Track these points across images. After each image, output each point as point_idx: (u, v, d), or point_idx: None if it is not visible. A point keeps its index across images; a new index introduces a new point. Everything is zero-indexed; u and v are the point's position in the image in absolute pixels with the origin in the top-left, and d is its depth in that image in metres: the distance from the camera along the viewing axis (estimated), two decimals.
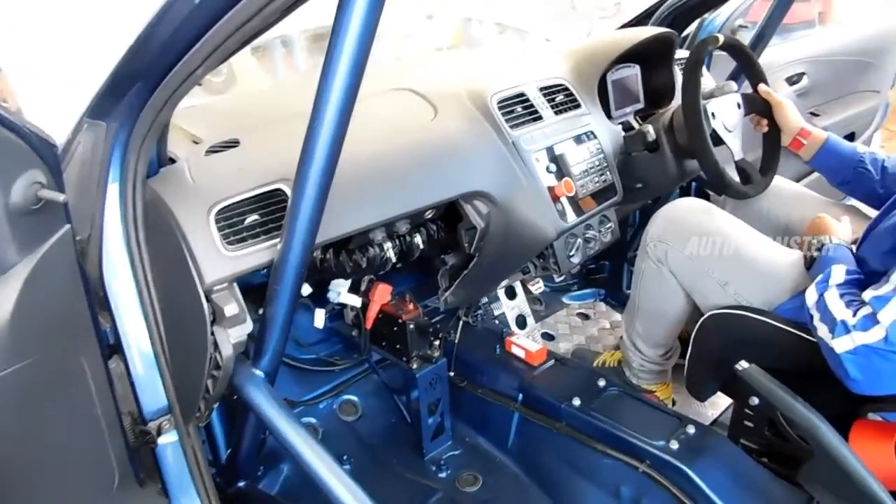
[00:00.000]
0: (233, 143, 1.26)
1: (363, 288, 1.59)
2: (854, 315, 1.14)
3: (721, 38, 1.50)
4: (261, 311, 1.26)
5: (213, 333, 1.08)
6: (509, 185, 1.42)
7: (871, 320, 1.11)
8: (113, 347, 1.07)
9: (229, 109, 1.61)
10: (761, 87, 1.66)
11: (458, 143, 1.39)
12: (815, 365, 1.30)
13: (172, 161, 1.17)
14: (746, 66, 1.66)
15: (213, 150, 1.23)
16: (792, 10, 1.96)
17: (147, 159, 1.04)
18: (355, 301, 1.56)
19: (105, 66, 0.98)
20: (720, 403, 1.79)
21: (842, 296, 1.20)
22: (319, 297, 1.56)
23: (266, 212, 1.13)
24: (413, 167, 1.30)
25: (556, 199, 1.48)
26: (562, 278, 2.29)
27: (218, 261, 1.06)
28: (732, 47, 1.57)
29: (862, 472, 1.16)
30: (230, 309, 1.07)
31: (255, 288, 1.21)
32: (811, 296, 1.25)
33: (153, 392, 1.10)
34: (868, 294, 1.15)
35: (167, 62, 0.91)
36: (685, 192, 2.18)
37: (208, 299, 1.06)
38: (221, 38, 0.85)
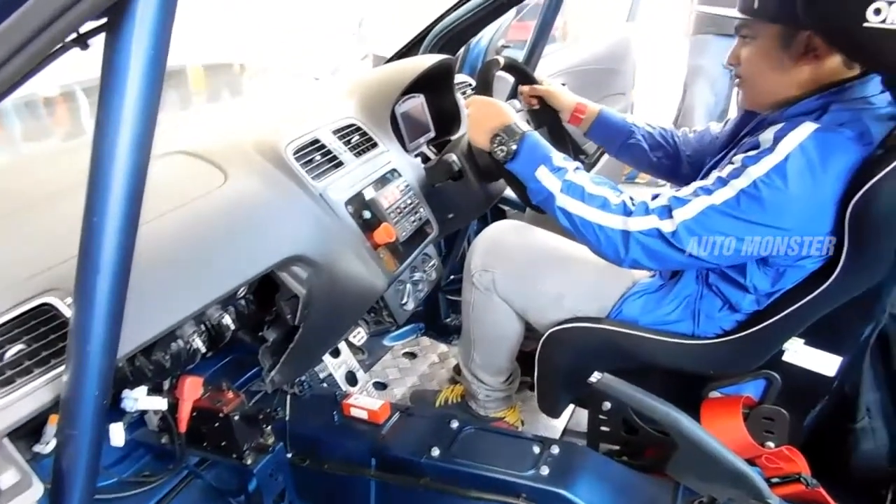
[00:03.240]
0: None
1: (167, 386, 1.35)
2: (653, 200, 1.20)
3: (502, 60, 1.52)
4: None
5: None
6: (326, 242, 1.28)
7: (667, 213, 1.17)
8: None
9: None
10: (533, 87, 1.69)
11: (260, 206, 1.22)
12: (656, 360, 1.36)
13: None
14: (526, 82, 1.70)
15: None
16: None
17: None
18: (160, 404, 1.31)
19: None
20: (564, 413, 1.82)
21: (598, 184, 1.24)
22: (112, 409, 1.28)
23: (34, 337, 0.87)
24: (215, 245, 1.10)
25: (377, 247, 1.38)
26: None
27: None
28: (513, 67, 1.60)
29: (721, 451, 1.23)
30: (7, 478, 0.80)
31: None
32: (565, 199, 1.23)
33: None
34: (669, 192, 1.20)
35: None
36: (482, 218, 2.21)
37: None
38: None
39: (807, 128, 1.09)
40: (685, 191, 1.19)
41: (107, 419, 0.87)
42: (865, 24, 0.93)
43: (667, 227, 1.16)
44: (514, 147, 1.28)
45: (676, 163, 1.62)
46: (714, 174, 1.18)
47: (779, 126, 1.14)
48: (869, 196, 1.05)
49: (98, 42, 0.63)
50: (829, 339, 1.29)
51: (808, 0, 0.99)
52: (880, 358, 1.41)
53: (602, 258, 1.26)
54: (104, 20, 0.60)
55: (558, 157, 1.27)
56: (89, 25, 0.61)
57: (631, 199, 1.22)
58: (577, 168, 1.27)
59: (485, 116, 1.34)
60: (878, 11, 0.92)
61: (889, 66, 1.02)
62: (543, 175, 1.25)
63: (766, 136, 1.15)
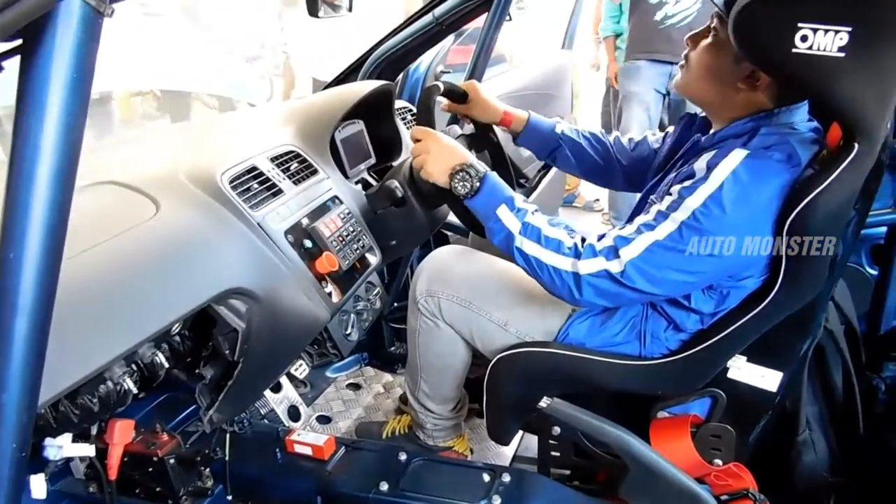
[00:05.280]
0: None
1: (95, 430, 1.29)
2: (599, 241, 1.22)
3: (442, 86, 1.51)
4: None
5: None
6: (266, 273, 1.23)
7: (614, 253, 1.18)
8: None
9: None
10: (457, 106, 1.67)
11: (195, 238, 1.16)
12: (605, 382, 1.36)
13: None
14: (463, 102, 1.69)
15: None
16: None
17: None
18: (87, 451, 1.24)
19: None
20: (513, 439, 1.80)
21: (554, 226, 1.26)
22: (32, 459, 1.19)
23: None
24: (147, 279, 1.04)
25: (320, 277, 1.33)
26: None
27: None
28: (452, 91, 1.60)
29: (672, 471, 1.24)
30: None
31: None
32: (524, 242, 1.25)
33: None
34: (614, 232, 1.22)
35: None
36: (425, 243, 2.18)
37: None
38: None
39: (738, 154, 1.12)
40: (629, 229, 1.21)
41: (26, 472, 0.79)
42: (794, 50, 0.97)
43: (615, 267, 1.17)
44: (477, 185, 1.29)
45: (608, 169, 1.65)
46: (655, 208, 1.20)
47: (711, 153, 1.17)
48: (803, 214, 1.09)
49: (13, 65, 0.58)
50: (769, 355, 1.32)
51: (738, 26, 1.02)
52: (817, 372, 1.46)
53: (559, 299, 1.27)
54: (19, 41, 0.56)
55: (519, 199, 1.29)
56: (3, 47, 0.57)
57: (583, 240, 1.23)
58: (535, 210, 1.28)
59: (445, 152, 1.33)
60: (804, 38, 0.96)
61: (818, 90, 1.06)
62: (504, 214, 1.26)
63: (700, 164, 1.18)
